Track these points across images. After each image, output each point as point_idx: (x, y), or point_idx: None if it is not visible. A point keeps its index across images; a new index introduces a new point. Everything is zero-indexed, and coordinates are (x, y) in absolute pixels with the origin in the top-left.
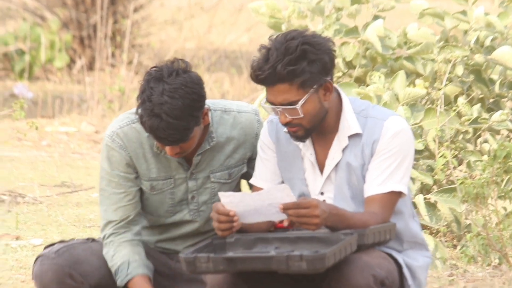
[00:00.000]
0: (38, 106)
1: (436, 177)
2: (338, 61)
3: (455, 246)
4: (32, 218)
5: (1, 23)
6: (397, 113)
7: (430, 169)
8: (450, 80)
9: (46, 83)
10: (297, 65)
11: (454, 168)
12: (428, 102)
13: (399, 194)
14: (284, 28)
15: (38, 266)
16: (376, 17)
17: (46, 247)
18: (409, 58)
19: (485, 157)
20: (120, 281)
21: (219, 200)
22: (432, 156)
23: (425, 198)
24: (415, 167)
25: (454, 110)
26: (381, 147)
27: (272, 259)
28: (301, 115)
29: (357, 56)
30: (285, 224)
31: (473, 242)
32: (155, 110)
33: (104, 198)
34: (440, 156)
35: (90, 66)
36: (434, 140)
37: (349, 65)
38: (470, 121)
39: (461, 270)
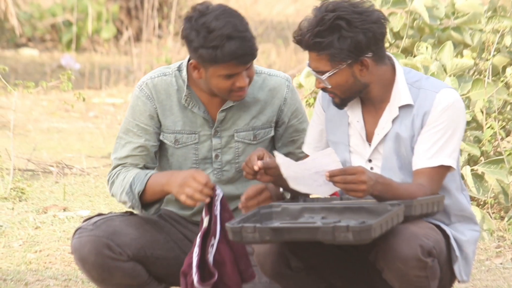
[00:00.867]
0: (85, 78)
1: (483, 148)
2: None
3: (502, 218)
4: (79, 189)
5: None
6: (450, 86)
7: (478, 140)
8: (498, 50)
9: (93, 54)
10: (324, 38)
11: (502, 139)
12: (475, 73)
13: (448, 168)
14: None
15: (77, 239)
16: None
17: (84, 221)
18: (457, 29)
19: None
20: (140, 185)
21: (242, 160)
22: (479, 127)
23: (472, 170)
24: (462, 138)
25: (502, 81)
26: (432, 119)
27: (319, 229)
28: (329, 86)
29: (405, 27)
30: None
31: None
32: (225, 33)
33: (119, 145)
34: (488, 127)
35: (137, 37)
36: (482, 111)
37: (397, 35)
38: None
39: (508, 242)
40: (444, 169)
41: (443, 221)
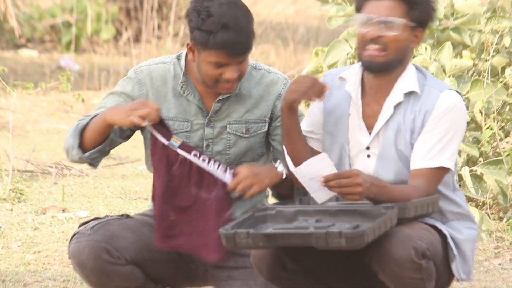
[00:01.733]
0: (84, 78)
1: (482, 149)
2: None
3: (501, 219)
4: (78, 190)
5: None
6: (453, 88)
7: (477, 141)
8: (497, 51)
9: (93, 55)
10: None
11: (501, 140)
12: (474, 74)
13: (446, 171)
14: (330, 0)
15: (74, 244)
16: None
17: (81, 225)
18: (456, 29)
19: None
20: (84, 121)
21: (233, 153)
22: (478, 128)
23: (471, 170)
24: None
25: (501, 82)
26: (434, 120)
27: (311, 235)
28: (396, 33)
29: None
30: None
31: None
32: (222, 20)
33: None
34: (487, 128)
35: (137, 38)
36: (481, 112)
37: None
38: None
39: (507, 243)
40: (442, 171)
41: (439, 220)
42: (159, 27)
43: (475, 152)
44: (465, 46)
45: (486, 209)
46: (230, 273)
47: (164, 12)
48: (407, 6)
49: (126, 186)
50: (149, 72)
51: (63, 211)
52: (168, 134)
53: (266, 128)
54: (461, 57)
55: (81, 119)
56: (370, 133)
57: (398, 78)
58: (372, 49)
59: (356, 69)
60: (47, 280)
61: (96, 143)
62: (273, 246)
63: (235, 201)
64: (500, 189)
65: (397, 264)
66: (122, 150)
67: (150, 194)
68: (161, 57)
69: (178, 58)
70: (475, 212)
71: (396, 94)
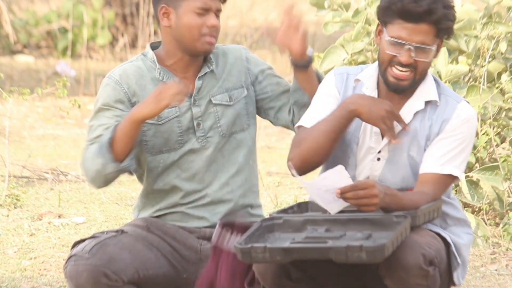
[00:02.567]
0: (80, 84)
1: (478, 154)
2: None
3: (497, 224)
4: (75, 196)
5: (44, 1)
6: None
7: (473, 147)
8: (493, 56)
9: (89, 61)
10: (450, 10)
11: (497, 145)
12: (470, 79)
13: (454, 179)
14: (326, 5)
15: (72, 266)
16: None
17: (76, 244)
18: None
19: None
20: (108, 134)
21: (224, 123)
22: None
23: (467, 176)
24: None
25: (497, 87)
26: (450, 128)
27: (331, 249)
28: (428, 60)
29: None
30: None
31: None
32: None
33: (90, 131)
34: (483, 134)
35: (133, 44)
36: (477, 118)
37: None
38: None
39: (503, 248)
40: (450, 179)
41: (440, 225)
42: (155, 33)
43: (471, 158)
44: (461, 52)
45: (482, 215)
46: None
47: None
48: (436, 28)
49: (122, 192)
50: (122, 71)
51: (59, 217)
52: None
53: (246, 92)
54: (457, 62)
55: (90, 143)
56: (383, 137)
57: (418, 85)
58: (400, 71)
59: (372, 71)
60: (43, 286)
61: (129, 149)
62: (290, 260)
63: None
64: (496, 195)
65: (406, 270)
66: None
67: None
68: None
69: (143, 54)
70: (471, 218)
71: (417, 101)
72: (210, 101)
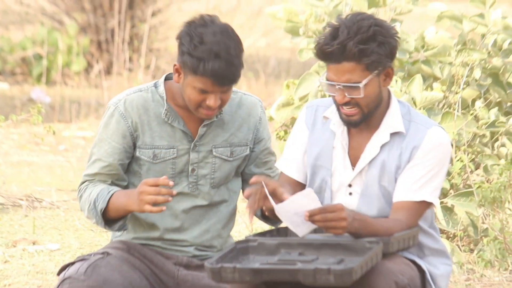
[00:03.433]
0: (55, 111)
1: (453, 181)
2: None
3: (472, 251)
4: (49, 223)
5: (19, 27)
6: (439, 124)
7: (447, 173)
8: (467, 83)
9: (64, 87)
10: (367, 45)
11: (471, 172)
12: (445, 106)
13: (428, 205)
14: (301, 32)
15: None
16: (393, 21)
17: (65, 266)
18: (427, 62)
19: (502, 161)
20: (102, 202)
21: (218, 176)
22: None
23: (442, 202)
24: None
25: (472, 114)
26: (421, 155)
27: (299, 272)
28: (362, 95)
29: None
30: None
31: (490, 246)
32: (213, 49)
33: (90, 161)
34: (457, 160)
35: (108, 71)
36: (451, 144)
37: None
38: (488, 124)
39: (478, 275)
40: (424, 205)
41: (417, 255)
42: (130, 59)
43: (446, 184)
44: (436, 79)
45: (457, 241)
46: None
47: (135, 45)
48: (360, 63)
49: None
50: (129, 102)
51: (34, 243)
52: None
53: (248, 152)
54: (432, 89)
55: (87, 178)
56: (353, 169)
57: (384, 116)
58: (347, 109)
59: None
60: None
61: (121, 218)
62: (260, 281)
63: None
64: (471, 221)
65: None
66: None
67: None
68: (137, 87)
69: (155, 85)
70: (446, 244)
71: (382, 134)
72: (211, 151)
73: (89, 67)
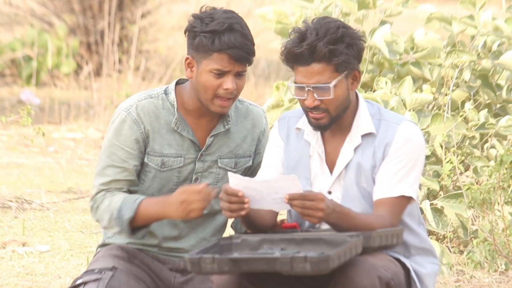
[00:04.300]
0: (45, 112)
1: (442, 182)
2: None
3: (461, 252)
4: (39, 224)
5: (9, 29)
6: (410, 119)
7: (437, 175)
8: (457, 85)
9: (53, 89)
10: (336, 45)
11: (461, 173)
12: (435, 108)
13: (408, 200)
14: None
15: None
16: (383, 23)
17: (78, 285)
18: (416, 64)
19: (492, 163)
20: (129, 211)
21: (220, 187)
22: (438, 161)
23: (431, 204)
24: (421, 172)
25: (461, 116)
26: (394, 151)
27: (277, 260)
28: (332, 96)
29: (364, 62)
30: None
31: (479, 248)
32: (226, 22)
33: (102, 169)
34: (447, 162)
35: (97, 72)
36: (441, 146)
37: None
38: (477, 126)
39: (467, 276)
40: (404, 200)
41: (403, 254)
42: (120, 61)
43: (435, 186)
44: (425, 80)
45: (447, 242)
46: None
47: (125, 46)
48: (330, 64)
49: (87, 220)
50: (141, 108)
51: (24, 245)
52: None
53: (250, 163)
54: (421, 91)
55: (102, 188)
56: (331, 175)
57: (354, 119)
58: (315, 115)
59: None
60: None
61: (146, 227)
62: (238, 271)
63: None
64: (461, 223)
65: None
66: (82, 183)
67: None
68: (145, 92)
69: (166, 92)
70: (435, 246)
71: (354, 137)
72: (216, 161)
73: (78, 68)
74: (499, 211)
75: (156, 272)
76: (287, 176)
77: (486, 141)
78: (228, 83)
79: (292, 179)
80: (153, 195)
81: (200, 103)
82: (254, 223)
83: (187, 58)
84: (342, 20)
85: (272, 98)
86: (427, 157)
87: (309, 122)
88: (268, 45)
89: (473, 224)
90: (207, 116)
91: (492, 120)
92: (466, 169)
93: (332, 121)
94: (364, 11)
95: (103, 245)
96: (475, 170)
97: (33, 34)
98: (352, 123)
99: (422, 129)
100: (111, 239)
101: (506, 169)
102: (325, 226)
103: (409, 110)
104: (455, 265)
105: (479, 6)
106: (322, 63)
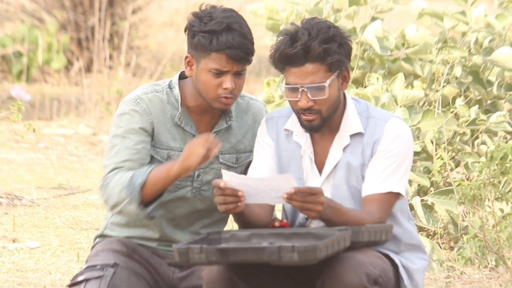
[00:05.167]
0: (35, 108)
1: (433, 179)
2: None
3: (452, 248)
4: (29, 220)
5: None
6: (398, 116)
7: (427, 171)
8: (448, 81)
9: (44, 85)
10: (329, 44)
11: (451, 169)
12: (425, 104)
13: (397, 196)
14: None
15: None
16: (374, 19)
17: (77, 283)
18: (407, 59)
19: (483, 159)
20: (141, 176)
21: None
22: (429, 157)
23: (422, 200)
24: (412, 169)
25: (452, 112)
26: (382, 148)
27: (264, 250)
28: (326, 96)
29: (355, 58)
30: (276, 224)
31: (470, 244)
32: (225, 21)
33: (114, 151)
34: (438, 158)
35: (88, 68)
36: (432, 142)
37: None
38: (468, 122)
39: (458, 272)
40: (393, 197)
41: (393, 250)
42: (110, 57)
43: (426, 182)
44: (416, 76)
45: (437, 238)
46: None
47: (115, 42)
48: (323, 64)
49: (77, 216)
50: (149, 100)
51: (14, 241)
52: None
53: (251, 158)
54: (413, 87)
55: (115, 166)
56: (321, 175)
57: (342, 118)
58: (307, 117)
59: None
60: None
61: (157, 197)
62: (226, 261)
63: None
64: (451, 219)
65: None
66: (73, 180)
67: (101, 223)
68: (149, 85)
69: (170, 86)
70: (426, 242)
71: (343, 136)
72: (217, 157)
73: (69, 64)
74: (490, 207)
75: (155, 267)
76: (282, 175)
77: (477, 137)
78: (227, 82)
79: (288, 178)
80: None
81: (202, 100)
82: (249, 222)
83: (186, 57)
84: (334, 16)
85: (263, 94)
86: (418, 153)
87: (301, 124)
88: (259, 41)
89: (463, 220)
90: (209, 112)
91: (482, 116)
92: (457, 165)
93: (324, 122)
94: (355, 7)
95: (101, 235)
96: (466, 166)
97: (24, 30)
98: (341, 123)
99: (413, 125)
100: (109, 231)
101: (496, 165)
102: (314, 225)
103: (400, 106)
104: (445, 261)
105: (470, 2)
106: (316, 63)
